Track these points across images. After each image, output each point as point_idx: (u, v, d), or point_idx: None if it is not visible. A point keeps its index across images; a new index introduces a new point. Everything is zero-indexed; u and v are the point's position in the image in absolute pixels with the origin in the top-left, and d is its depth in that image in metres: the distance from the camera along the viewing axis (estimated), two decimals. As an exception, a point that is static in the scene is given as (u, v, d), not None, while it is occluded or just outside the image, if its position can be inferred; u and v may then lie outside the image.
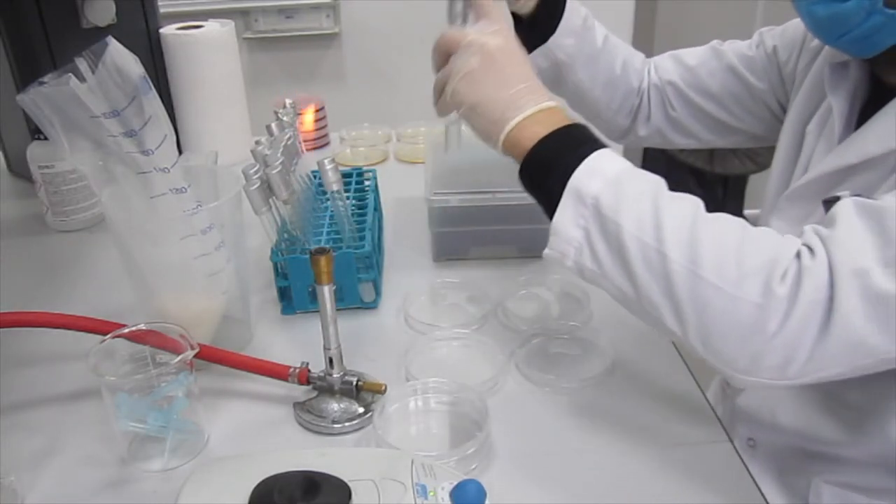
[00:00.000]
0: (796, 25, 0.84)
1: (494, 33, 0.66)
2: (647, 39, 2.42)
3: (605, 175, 0.58)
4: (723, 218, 0.57)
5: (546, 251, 0.61)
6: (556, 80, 0.92)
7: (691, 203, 0.57)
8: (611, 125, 0.98)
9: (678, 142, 0.97)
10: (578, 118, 0.77)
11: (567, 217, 0.58)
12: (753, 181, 2.62)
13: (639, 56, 0.96)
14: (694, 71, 0.92)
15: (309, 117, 1.31)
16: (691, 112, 0.94)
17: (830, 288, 0.51)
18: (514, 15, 0.86)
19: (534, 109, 0.62)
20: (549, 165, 0.60)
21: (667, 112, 0.95)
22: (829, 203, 0.62)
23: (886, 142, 0.64)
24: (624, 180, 0.58)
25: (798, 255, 0.53)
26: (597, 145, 0.60)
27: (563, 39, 0.87)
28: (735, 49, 0.90)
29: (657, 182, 0.59)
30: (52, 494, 0.62)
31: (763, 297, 0.52)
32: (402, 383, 0.72)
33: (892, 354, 0.52)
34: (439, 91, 0.67)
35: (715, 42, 0.93)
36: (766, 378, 0.54)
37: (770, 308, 0.52)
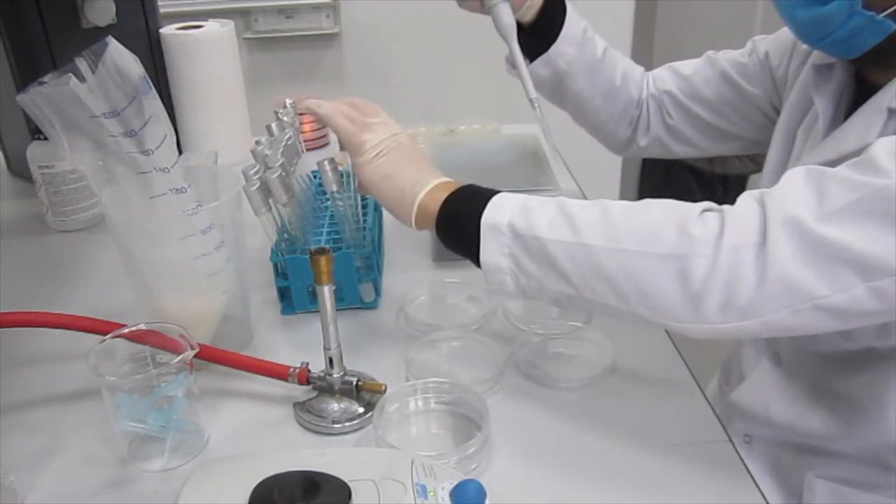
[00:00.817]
0: (788, 31, 0.85)
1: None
2: (647, 39, 2.42)
3: (510, 206, 0.64)
4: (627, 201, 0.62)
5: (487, 288, 0.66)
6: (557, 90, 0.93)
7: (595, 201, 0.63)
8: (612, 137, 1.00)
9: (677, 150, 0.99)
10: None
11: (491, 250, 0.64)
12: (753, 181, 2.62)
13: (638, 69, 0.99)
14: (689, 80, 0.94)
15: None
16: (688, 120, 0.95)
17: (762, 234, 0.54)
18: (517, 24, 0.88)
19: (435, 182, 0.69)
20: (460, 215, 0.66)
21: (665, 121, 0.97)
22: None
23: (864, 137, 0.65)
24: (528, 204, 0.64)
25: (708, 209, 0.58)
26: (493, 193, 0.66)
27: (564, 48, 0.89)
28: (728, 57, 0.92)
29: (560, 199, 0.64)
30: (52, 494, 0.62)
31: (681, 243, 0.56)
32: (402, 383, 0.72)
33: (829, 300, 0.53)
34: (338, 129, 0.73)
35: (710, 52, 0.95)
36: (714, 323, 0.56)
37: (692, 251, 0.55)
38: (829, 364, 0.76)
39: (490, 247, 0.64)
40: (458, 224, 0.67)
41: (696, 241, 0.55)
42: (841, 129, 0.70)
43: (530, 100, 0.84)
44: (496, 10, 0.85)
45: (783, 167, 0.80)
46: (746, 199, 0.57)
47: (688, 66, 0.96)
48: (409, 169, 0.71)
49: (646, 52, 2.40)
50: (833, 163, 0.67)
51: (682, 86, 0.95)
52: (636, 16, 2.36)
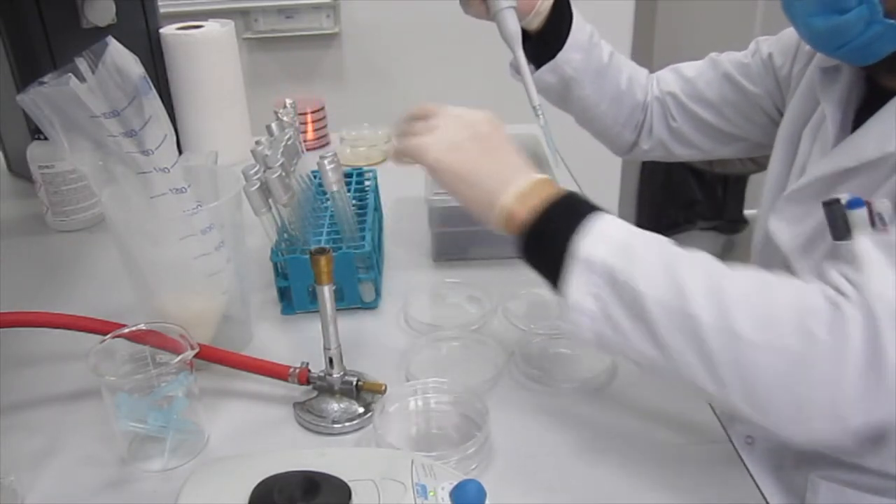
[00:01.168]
0: (791, 31, 0.83)
1: (478, 109, 0.67)
2: (647, 39, 2.42)
3: (611, 239, 0.57)
4: (739, 270, 0.55)
5: (562, 324, 0.60)
6: (563, 96, 0.93)
7: (704, 258, 0.56)
8: (617, 141, 1.00)
9: (680, 153, 0.98)
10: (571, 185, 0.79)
11: (578, 286, 0.57)
12: (753, 181, 2.62)
13: (643, 71, 0.98)
14: (692, 82, 0.93)
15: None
16: (691, 122, 0.94)
17: (872, 331, 0.50)
18: (523, 31, 0.87)
19: (526, 182, 0.62)
20: (549, 235, 0.59)
21: (668, 123, 0.96)
22: (829, 205, 0.62)
23: (883, 145, 0.64)
24: (632, 243, 0.57)
25: (830, 299, 0.52)
26: (594, 209, 0.59)
27: (571, 54, 0.88)
28: (731, 58, 0.91)
29: (664, 241, 0.58)
30: (52, 494, 0.62)
31: (805, 345, 0.51)
32: (402, 383, 0.72)
33: None
34: (403, 151, 0.67)
35: (713, 54, 0.94)
36: (819, 426, 0.52)
37: (814, 355, 0.51)
38: None
39: (578, 283, 0.57)
40: (546, 244, 0.60)
41: (819, 345, 0.51)
42: (856, 136, 0.68)
43: (533, 107, 0.83)
44: (501, 16, 0.83)
45: (788, 168, 0.79)
46: (844, 286, 0.53)
47: (691, 68, 0.95)
48: (489, 166, 0.64)
49: (646, 52, 2.40)
50: (851, 171, 0.66)
51: (686, 87, 0.94)
52: (636, 16, 2.36)
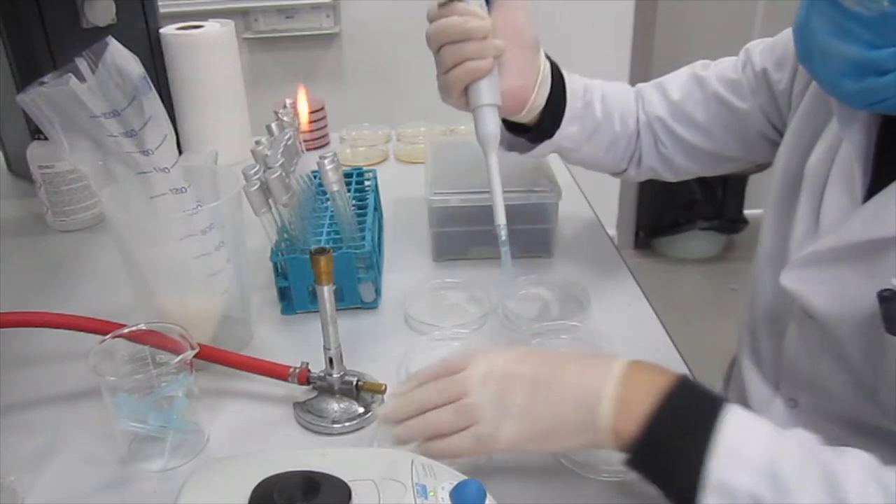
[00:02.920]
0: (787, 40, 0.76)
1: (502, 351, 0.58)
2: (647, 39, 2.42)
3: (752, 462, 0.48)
4: None
5: None
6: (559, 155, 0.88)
7: (865, 472, 0.48)
8: (609, 171, 0.93)
9: (671, 178, 0.92)
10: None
11: None
12: (753, 181, 2.63)
13: (630, 97, 0.89)
14: (680, 105, 0.86)
15: (303, 106, 1.29)
16: (680, 147, 0.87)
17: None
18: (513, 124, 0.80)
19: (615, 390, 0.53)
20: (670, 453, 0.51)
21: (658, 150, 0.88)
22: (886, 300, 0.57)
23: None
24: (778, 463, 0.48)
25: None
26: (717, 408, 0.51)
27: (567, 129, 0.81)
28: (719, 74, 0.84)
29: (813, 449, 0.50)
30: (52, 494, 0.62)
31: None
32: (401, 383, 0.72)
33: None
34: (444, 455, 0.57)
35: (698, 66, 0.87)
36: None
37: None
38: (859, 431, 0.67)
39: None
40: (668, 466, 0.51)
41: None
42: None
43: (497, 225, 0.71)
44: (479, 114, 0.71)
45: (792, 209, 0.71)
46: None
47: (677, 88, 0.86)
48: (563, 405, 0.54)
49: (646, 52, 2.40)
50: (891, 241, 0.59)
51: (673, 111, 0.86)
52: (636, 16, 2.36)
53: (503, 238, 0.72)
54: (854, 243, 0.62)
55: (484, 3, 0.72)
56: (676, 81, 0.87)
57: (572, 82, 0.82)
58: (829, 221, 0.66)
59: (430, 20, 0.72)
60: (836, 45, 0.57)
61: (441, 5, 0.70)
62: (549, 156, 0.89)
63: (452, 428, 0.56)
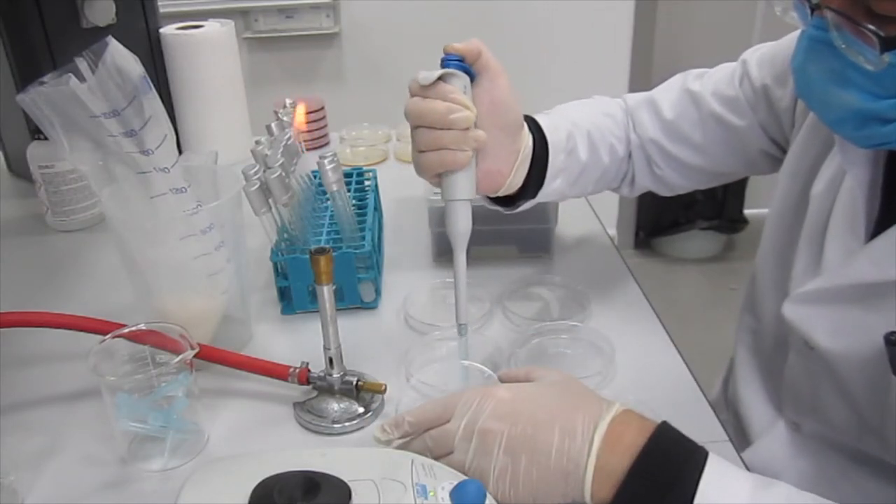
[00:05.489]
0: (786, 53, 0.70)
1: (482, 401, 0.56)
2: (647, 39, 2.42)
3: None
4: None
5: None
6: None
7: None
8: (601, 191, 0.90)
9: (665, 194, 0.89)
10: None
11: None
12: (753, 181, 2.62)
13: (618, 118, 0.84)
14: (674, 125, 0.82)
15: (300, 110, 1.29)
16: (676, 167, 0.85)
17: None
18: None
19: (595, 459, 0.52)
20: None
21: (652, 171, 0.86)
22: (893, 344, 0.56)
23: None
24: None
25: None
26: (694, 465, 0.51)
27: (550, 186, 0.76)
28: (714, 90, 0.80)
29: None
30: (52, 494, 0.62)
31: None
32: (402, 383, 0.72)
33: None
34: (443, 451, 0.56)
35: (690, 77, 0.83)
36: None
37: None
38: (861, 462, 0.67)
39: None
40: None
41: None
42: None
43: (459, 325, 0.69)
44: (451, 208, 0.67)
45: (795, 237, 0.70)
46: None
47: (669, 107, 0.82)
48: (545, 467, 0.52)
49: (646, 54, 2.40)
50: None
51: (668, 131, 0.83)
52: (636, 16, 2.36)
53: (463, 336, 0.69)
54: (859, 283, 0.61)
55: (468, 82, 0.66)
56: (668, 98, 0.83)
57: (555, 136, 0.76)
58: (833, 258, 0.64)
59: (411, 94, 0.65)
60: (837, 93, 0.56)
61: (423, 86, 0.64)
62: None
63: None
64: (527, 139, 0.72)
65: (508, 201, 0.77)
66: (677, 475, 0.50)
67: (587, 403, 0.55)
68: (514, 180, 0.72)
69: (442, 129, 0.64)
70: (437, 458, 0.56)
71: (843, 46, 0.53)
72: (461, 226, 0.67)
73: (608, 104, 0.86)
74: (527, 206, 0.79)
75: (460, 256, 0.68)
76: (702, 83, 0.82)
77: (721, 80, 0.81)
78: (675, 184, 0.87)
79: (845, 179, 0.64)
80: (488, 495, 0.51)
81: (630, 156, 0.86)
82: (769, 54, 0.78)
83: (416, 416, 0.58)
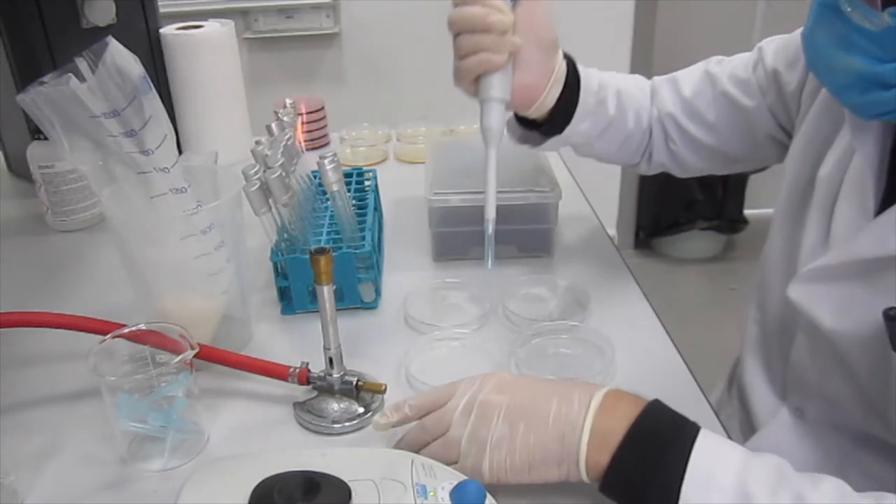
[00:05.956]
0: (800, 42, 0.71)
1: (484, 380, 0.58)
2: (647, 39, 2.42)
3: (722, 487, 0.48)
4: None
5: None
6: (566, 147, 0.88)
7: (838, 498, 0.49)
8: (622, 164, 0.94)
9: (681, 174, 0.93)
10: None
11: None
12: (753, 181, 2.63)
13: (646, 92, 0.89)
14: (691, 102, 0.86)
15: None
16: (690, 145, 0.88)
17: None
18: (524, 118, 0.81)
19: (591, 422, 0.53)
20: (643, 480, 0.51)
21: (668, 147, 0.89)
22: (892, 319, 0.57)
23: None
24: (750, 489, 0.48)
25: None
26: (689, 433, 0.51)
27: (578, 126, 0.81)
28: (731, 72, 0.84)
29: (786, 475, 0.50)
30: (52, 494, 0.62)
31: None
32: (402, 383, 0.72)
33: None
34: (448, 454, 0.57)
35: (712, 62, 0.87)
36: None
37: None
38: (865, 444, 0.67)
39: None
40: (641, 493, 0.51)
41: None
42: None
43: (486, 219, 0.71)
44: (485, 108, 0.72)
45: (802, 217, 0.71)
46: None
47: (689, 85, 0.86)
48: (541, 436, 0.54)
49: (646, 52, 2.40)
50: None
51: (684, 108, 0.86)
52: (636, 16, 2.36)
53: (489, 232, 0.72)
54: (863, 259, 0.62)
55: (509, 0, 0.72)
56: (690, 78, 0.87)
57: (587, 79, 0.81)
58: (840, 235, 0.65)
59: (454, 5, 0.71)
60: (841, 58, 0.57)
61: None
62: (549, 156, 0.89)
63: (444, 462, 0.56)
64: (562, 64, 0.78)
65: (536, 138, 0.83)
66: (672, 440, 0.51)
67: (582, 384, 0.57)
68: (547, 99, 0.77)
69: (481, 31, 0.69)
70: (433, 439, 0.57)
71: (849, 10, 0.55)
72: (494, 123, 0.71)
73: (637, 78, 0.91)
74: (555, 144, 0.83)
75: (491, 152, 0.71)
76: (721, 66, 0.86)
77: (738, 64, 0.84)
78: (688, 162, 0.90)
79: (853, 160, 0.65)
80: (488, 495, 0.51)
81: (651, 129, 0.89)
82: (784, 42, 0.80)
83: (418, 400, 0.61)
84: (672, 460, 0.50)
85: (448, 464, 0.56)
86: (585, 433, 0.53)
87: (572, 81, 0.79)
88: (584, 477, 0.54)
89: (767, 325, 0.79)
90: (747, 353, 0.82)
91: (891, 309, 0.57)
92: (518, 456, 0.54)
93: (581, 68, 0.81)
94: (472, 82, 0.73)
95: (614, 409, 0.54)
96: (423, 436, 0.59)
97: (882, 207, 0.63)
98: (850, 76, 0.57)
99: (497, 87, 0.72)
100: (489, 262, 0.73)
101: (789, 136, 0.80)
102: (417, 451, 0.58)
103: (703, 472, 0.49)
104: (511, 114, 0.83)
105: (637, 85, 0.89)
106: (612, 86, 0.84)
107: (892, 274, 0.59)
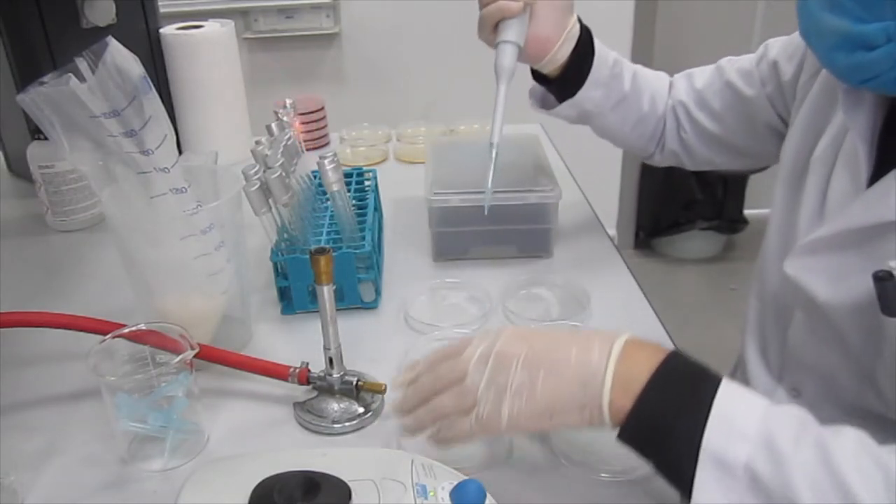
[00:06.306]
0: (800, 39, 0.78)
1: (499, 331, 0.57)
2: (647, 39, 2.42)
3: (746, 434, 0.47)
4: None
5: None
6: (583, 122, 0.91)
7: (860, 446, 0.48)
8: (637, 151, 0.98)
9: (692, 166, 0.96)
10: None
11: (711, 493, 0.47)
12: (753, 181, 2.63)
13: (665, 82, 0.94)
14: (701, 92, 0.91)
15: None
16: (698, 134, 0.92)
17: None
18: (539, 72, 0.86)
19: (614, 367, 0.52)
20: (665, 426, 0.50)
21: (679, 135, 0.93)
22: (881, 280, 0.57)
23: None
24: (773, 436, 0.47)
25: None
26: (712, 381, 0.51)
27: (590, 92, 0.86)
28: (738, 65, 0.88)
29: (808, 423, 0.49)
30: (52, 494, 0.62)
31: None
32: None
33: None
34: (448, 442, 0.57)
35: (724, 60, 0.91)
36: None
37: None
38: (862, 420, 0.65)
39: (711, 488, 0.47)
40: (662, 439, 0.50)
41: None
42: None
43: (491, 143, 0.76)
44: (499, 49, 0.79)
45: (798, 196, 0.72)
46: None
47: (702, 77, 0.92)
48: (559, 384, 0.53)
49: (646, 52, 2.40)
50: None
51: (695, 97, 0.91)
52: (636, 16, 2.36)
53: (493, 155, 0.77)
54: (856, 228, 0.63)
55: None
56: (704, 72, 0.92)
57: (603, 52, 0.86)
58: (834, 207, 0.67)
59: None
60: (829, 19, 0.58)
61: None
62: (549, 156, 0.89)
63: (456, 412, 0.55)
64: (575, 25, 0.84)
65: (552, 102, 0.88)
66: (695, 388, 0.51)
67: (600, 332, 0.56)
68: (559, 53, 0.83)
69: None
70: (447, 386, 0.56)
71: None
72: (506, 62, 0.78)
73: (660, 72, 0.96)
74: (569, 109, 0.88)
75: (501, 87, 0.78)
76: (731, 62, 0.90)
77: (746, 59, 0.88)
78: (697, 152, 0.93)
79: (846, 138, 0.66)
80: (488, 495, 0.51)
81: (665, 118, 0.93)
82: (788, 39, 0.83)
83: (431, 355, 0.59)
84: (696, 406, 0.49)
85: (459, 412, 0.55)
86: (608, 378, 0.52)
87: (586, 46, 0.85)
88: (608, 420, 0.52)
89: (765, 305, 0.80)
90: (748, 340, 0.82)
91: (879, 271, 0.58)
92: (539, 400, 0.53)
93: (598, 42, 0.86)
94: (490, 31, 0.80)
95: (635, 356, 0.53)
96: (434, 383, 0.57)
97: (874, 179, 0.64)
98: (837, 37, 0.58)
99: (511, 31, 0.78)
100: (488, 199, 0.79)
101: (786, 125, 0.82)
102: (428, 401, 0.57)
103: (726, 418, 0.48)
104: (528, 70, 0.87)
105: (657, 75, 0.94)
106: (630, 67, 0.90)
107: (885, 240, 0.60)
